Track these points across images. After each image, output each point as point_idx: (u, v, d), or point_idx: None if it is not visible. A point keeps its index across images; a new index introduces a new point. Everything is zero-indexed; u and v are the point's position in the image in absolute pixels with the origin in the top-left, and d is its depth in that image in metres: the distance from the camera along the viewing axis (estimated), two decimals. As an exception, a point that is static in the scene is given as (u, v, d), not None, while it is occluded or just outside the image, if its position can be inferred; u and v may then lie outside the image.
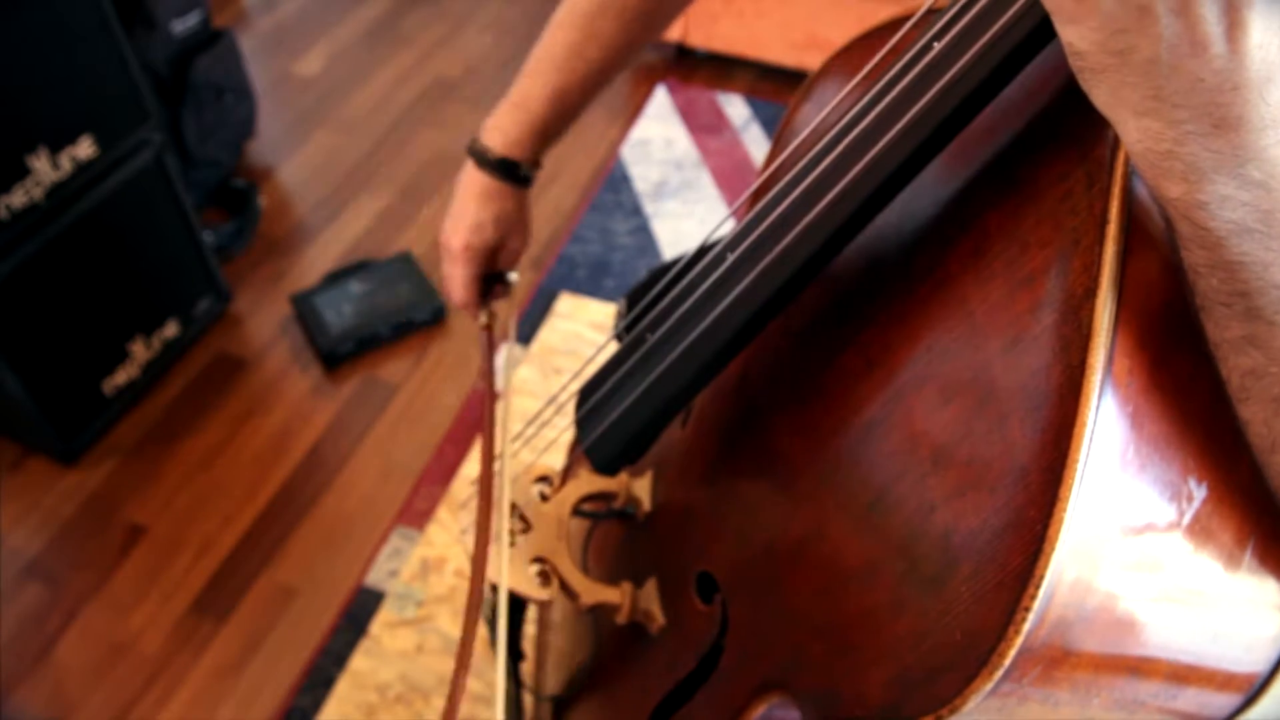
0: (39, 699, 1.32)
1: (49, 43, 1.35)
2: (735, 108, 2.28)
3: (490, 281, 0.87)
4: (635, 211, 2.03)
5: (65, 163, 1.41)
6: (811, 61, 0.62)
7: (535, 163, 0.82)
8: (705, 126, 2.23)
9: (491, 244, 0.84)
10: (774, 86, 2.33)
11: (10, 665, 1.35)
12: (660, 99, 2.31)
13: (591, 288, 1.87)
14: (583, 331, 1.79)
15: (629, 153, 2.16)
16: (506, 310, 0.89)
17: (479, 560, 0.65)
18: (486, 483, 0.69)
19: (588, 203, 2.05)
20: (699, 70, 2.40)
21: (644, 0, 0.74)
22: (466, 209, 0.82)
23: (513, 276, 0.88)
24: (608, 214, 2.02)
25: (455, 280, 0.84)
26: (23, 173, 1.36)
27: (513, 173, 0.81)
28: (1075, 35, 0.32)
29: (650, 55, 2.43)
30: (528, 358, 1.75)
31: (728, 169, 2.12)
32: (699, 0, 2.28)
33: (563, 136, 0.83)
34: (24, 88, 1.33)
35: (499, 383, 0.83)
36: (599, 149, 2.18)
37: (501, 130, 0.79)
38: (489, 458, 0.73)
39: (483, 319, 0.87)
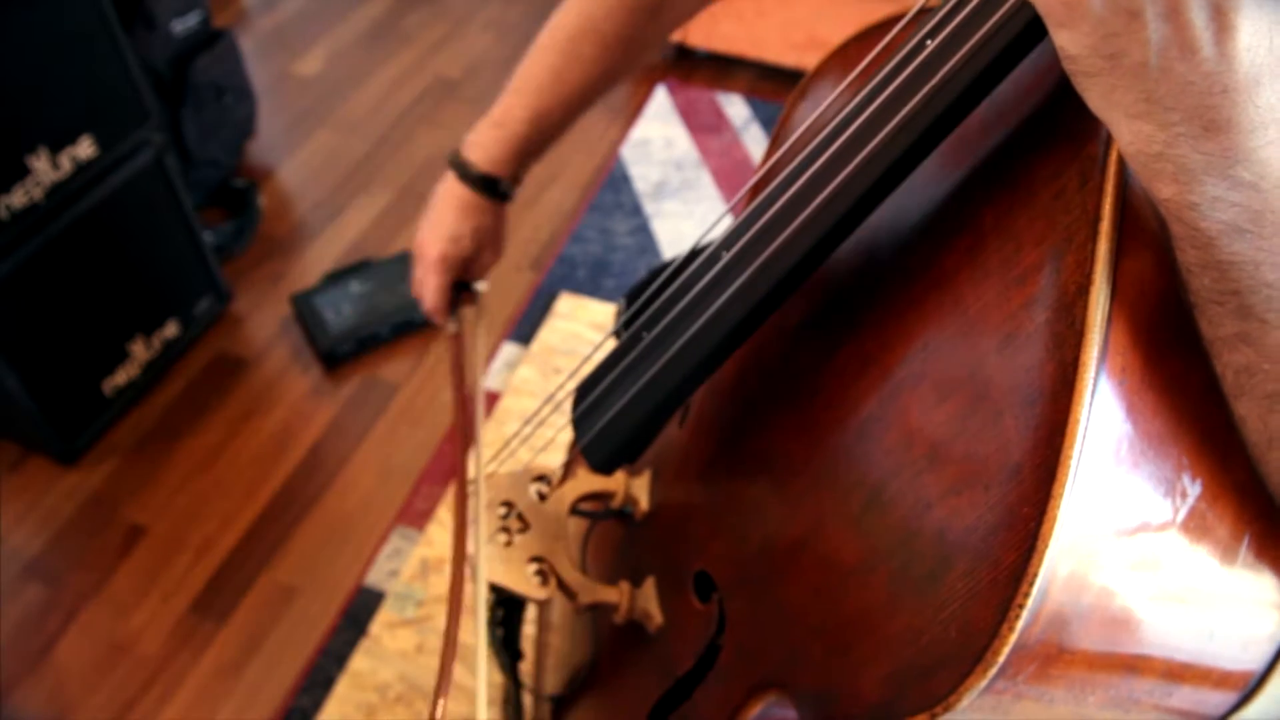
0: (39, 699, 1.32)
1: (49, 43, 1.35)
2: (735, 108, 2.28)
3: (458, 289, 0.88)
4: (635, 211, 2.03)
5: (65, 163, 1.41)
6: (811, 62, 0.63)
7: (515, 179, 0.83)
8: (705, 126, 2.23)
9: (467, 256, 0.85)
10: (774, 86, 2.33)
11: (10, 665, 1.35)
12: (660, 99, 2.31)
13: (591, 288, 1.87)
14: (583, 331, 1.79)
15: (629, 153, 2.16)
16: (474, 317, 0.90)
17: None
18: (462, 498, 0.69)
19: (588, 203, 2.05)
20: (699, 70, 2.40)
21: (625, 27, 0.74)
22: (445, 219, 0.83)
23: (481, 286, 0.90)
24: (608, 214, 2.03)
25: (428, 288, 0.85)
26: (23, 173, 1.36)
27: (494, 189, 0.81)
28: (1067, 39, 0.32)
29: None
30: (528, 358, 1.75)
31: (728, 169, 2.12)
32: (699, 0, 2.28)
33: (545, 154, 0.83)
34: (24, 88, 1.33)
35: (477, 385, 0.85)
36: (599, 149, 2.18)
37: (482, 147, 0.80)
38: (463, 473, 0.73)
39: (451, 327, 0.88)
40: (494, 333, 1.79)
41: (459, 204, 0.82)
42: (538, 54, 0.77)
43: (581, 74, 0.76)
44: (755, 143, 2.19)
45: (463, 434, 0.78)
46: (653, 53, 0.82)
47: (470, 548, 0.71)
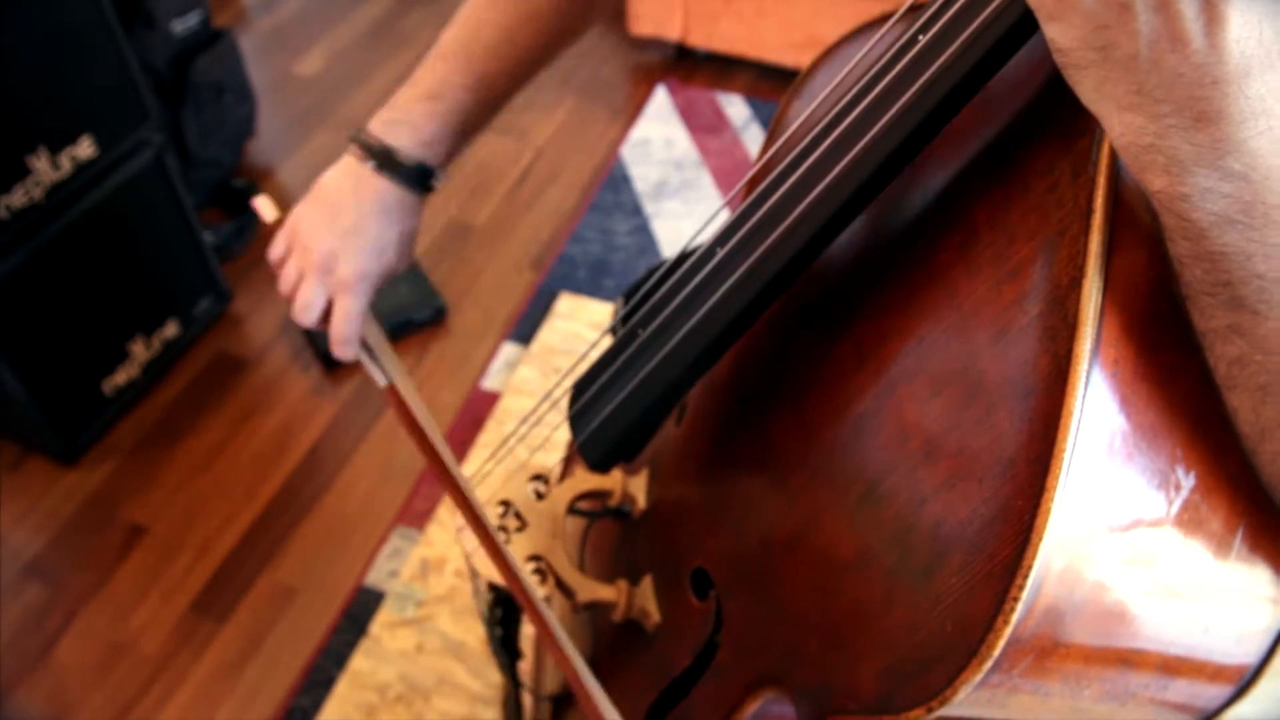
0: (39, 699, 1.33)
1: (49, 43, 1.35)
2: (735, 108, 2.28)
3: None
4: (635, 211, 2.03)
5: (65, 163, 1.42)
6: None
7: (445, 166, 0.70)
8: (705, 126, 2.23)
9: (391, 271, 0.70)
10: (774, 86, 2.33)
11: (10, 665, 1.35)
12: (660, 99, 2.31)
13: (591, 288, 1.87)
14: (582, 331, 1.79)
15: (629, 153, 2.17)
16: (379, 345, 0.73)
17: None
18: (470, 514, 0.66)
19: (588, 203, 2.05)
20: (699, 70, 2.40)
21: None
22: (364, 228, 0.67)
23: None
24: (608, 214, 2.03)
25: (346, 315, 0.69)
26: (23, 173, 1.36)
27: (425, 182, 0.68)
28: (1057, 32, 0.33)
29: (650, 55, 2.43)
30: (528, 358, 1.75)
31: (728, 169, 2.12)
32: (699, 0, 2.28)
33: (473, 140, 0.70)
34: (24, 88, 1.34)
35: (431, 425, 0.71)
36: (599, 149, 2.18)
37: (412, 126, 0.66)
38: (466, 506, 0.67)
39: (379, 378, 0.71)
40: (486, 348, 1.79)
41: (381, 205, 0.67)
42: (480, 12, 0.66)
43: (535, 35, 0.66)
44: (755, 143, 2.19)
45: (446, 482, 0.69)
46: (605, 11, 0.71)
47: (468, 546, 0.71)
